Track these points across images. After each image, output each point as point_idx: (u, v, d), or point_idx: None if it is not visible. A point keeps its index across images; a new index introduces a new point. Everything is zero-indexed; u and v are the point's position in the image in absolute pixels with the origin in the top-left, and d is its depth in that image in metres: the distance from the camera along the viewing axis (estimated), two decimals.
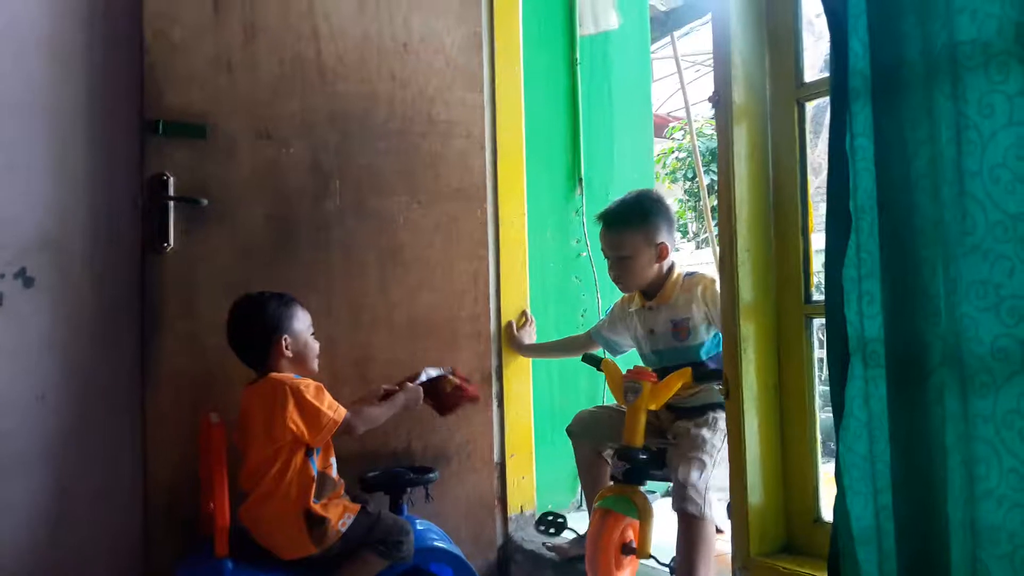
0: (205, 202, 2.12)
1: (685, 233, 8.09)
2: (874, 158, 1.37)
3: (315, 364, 2.00)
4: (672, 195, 8.11)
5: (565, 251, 2.98)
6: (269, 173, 2.23)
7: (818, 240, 1.68)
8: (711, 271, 5.44)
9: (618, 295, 3.09)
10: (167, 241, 2.08)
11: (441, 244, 2.45)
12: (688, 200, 7.75)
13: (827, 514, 1.67)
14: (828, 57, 1.46)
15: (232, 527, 1.81)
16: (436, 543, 2.00)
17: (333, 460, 1.96)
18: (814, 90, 1.77)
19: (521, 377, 2.64)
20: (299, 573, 1.85)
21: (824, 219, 1.44)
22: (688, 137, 6.95)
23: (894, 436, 1.31)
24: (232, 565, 1.79)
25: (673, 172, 7.55)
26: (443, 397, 2.15)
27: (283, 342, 1.91)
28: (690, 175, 7.41)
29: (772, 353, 1.77)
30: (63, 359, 2.06)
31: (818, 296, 1.73)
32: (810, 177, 1.80)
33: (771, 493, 1.73)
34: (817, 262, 1.73)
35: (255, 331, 1.91)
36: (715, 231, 3.98)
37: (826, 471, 1.69)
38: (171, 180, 2.09)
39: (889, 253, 1.34)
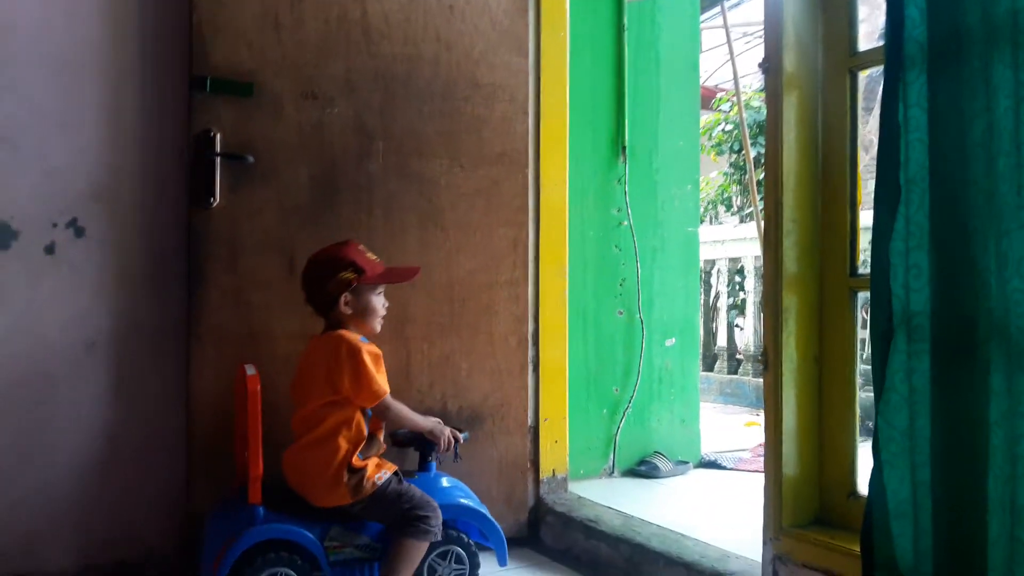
0: (251, 159, 2.15)
1: (729, 207, 7.98)
2: (927, 128, 1.34)
3: (377, 325, 2.01)
4: (717, 168, 8.00)
5: (606, 220, 2.97)
6: (314, 133, 2.25)
7: (866, 217, 1.65)
8: (755, 247, 5.36)
9: (655, 267, 3.08)
10: (213, 197, 2.12)
11: (482, 208, 2.45)
12: (733, 173, 7.62)
13: (863, 489, 1.66)
14: (884, 26, 1.42)
15: (267, 478, 1.87)
16: (462, 500, 2.04)
17: (384, 424, 2.01)
18: (868, 59, 1.73)
19: (557, 343, 2.65)
20: (327, 523, 1.90)
21: (873, 195, 1.42)
22: (735, 109, 6.82)
23: (936, 411, 1.30)
24: (264, 512, 1.85)
25: (719, 144, 7.42)
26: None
27: (343, 298, 1.94)
28: (736, 148, 7.29)
29: (814, 325, 1.75)
30: (112, 308, 2.12)
31: (863, 270, 1.70)
32: (860, 154, 1.76)
33: (806, 465, 1.72)
34: (864, 236, 1.70)
35: (320, 286, 1.95)
36: (760, 205, 3.91)
37: (863, 449, 1.68)
38: (218, 136, 2.12)
39: (939, 226, 1.32)
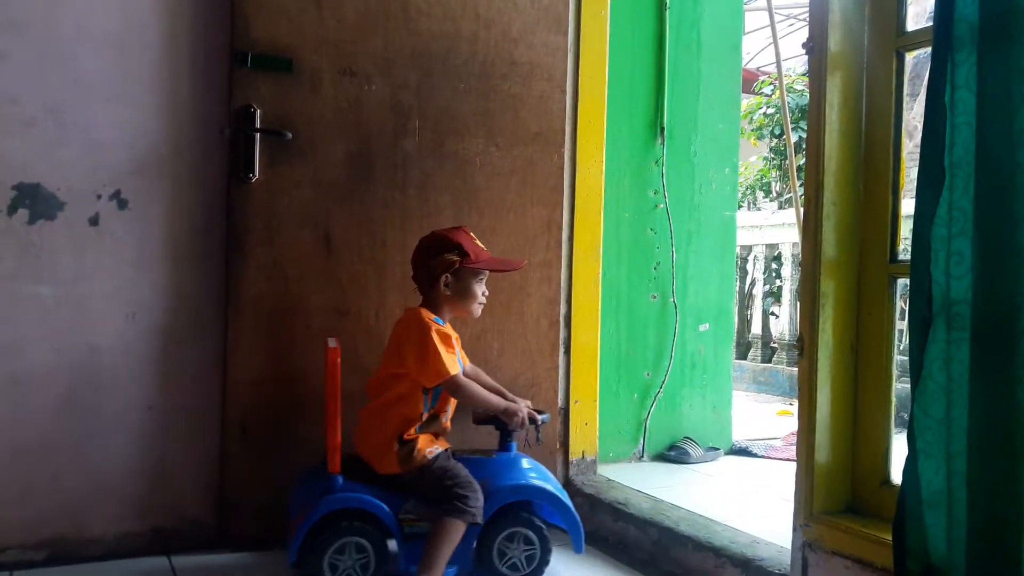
0: (289, 135, 2.16)
1: (768, 192, 7.88)
2: (975, 112, 1.31)
3: (475, 309, 2.05)
4: (757, 153, 7.88)
5: (642, 202, 2.94)
6: (351, 110, 2.26)
7: (907, 205, 1.62)
8: (793, 233, 5.26)
9: (691, 252, 3.05)
10: (252, 172, 2.14)
11: (516, 188, 2.45)
12: (773, 158, 7.51)
13: (896, 477, 1.63)
14: (933, 6, 1.39)
15: (351, 454, 1.95)
16: (535, 481, 2.01)
17: (451, 407, 2.04)
18: (916, 39, 1.68)
19: (589, 326, 2.64)
20: (403, 496, 1.94)
21: (915, 182, 1.38)
22: (777, 92, 6.71)
23: (973, 401, 1.27)
24: (342, 481, 1.90)
25: (759, 128, 7.31)
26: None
27: (444, 279, 1.99)
28: (777, 132, 7.18)
29: (851, 312, 1.72)
30: (153, 280, 2.16)
31: (904, 256, 1.66)
32: (903, 140, 1.72)
33: (839, 453, 1.70)
34: (906, 223, 1.66)
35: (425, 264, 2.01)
36: (800, 191, 3.85)
37: (897, 439, 1.65)
38: (258, 112, 2.14)
39: (983, 212, 1.29)
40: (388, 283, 2.29)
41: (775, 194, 7.77)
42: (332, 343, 1.95)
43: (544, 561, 2.01)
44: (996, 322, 1.26)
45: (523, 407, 2.00)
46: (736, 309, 5.24)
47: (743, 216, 5.81)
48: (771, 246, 5.66)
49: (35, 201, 2.04)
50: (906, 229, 1.65)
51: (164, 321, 2.18)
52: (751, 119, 7.27)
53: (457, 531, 1.87)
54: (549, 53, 2.47)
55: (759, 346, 5.60)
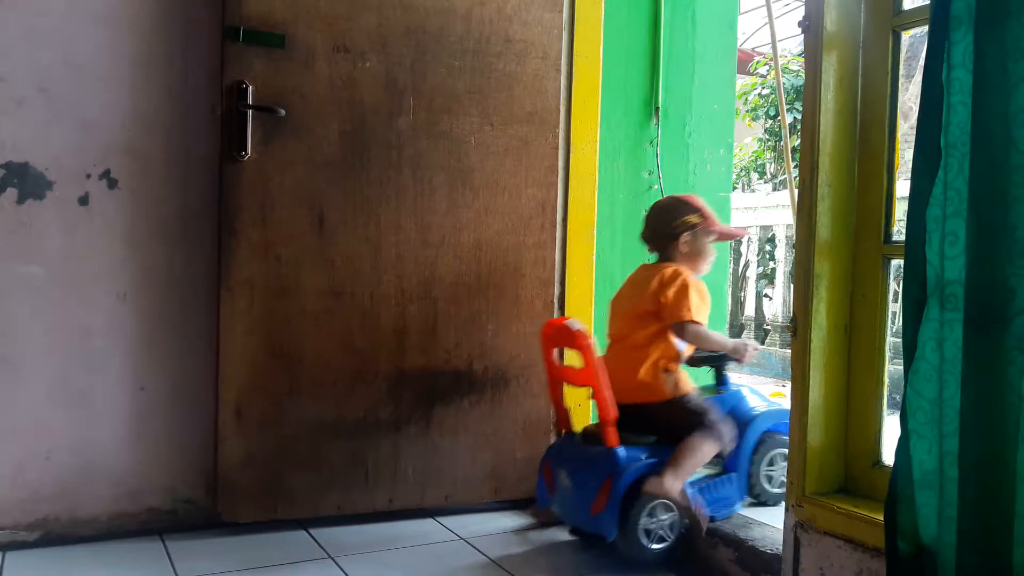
0: (283, 112, 2.14)
1: (763, 174, 7.86)
2: (971, 91, 1.30)
3: (706, 268, 2.23)
4: (752, 134, 7.86)
5: (636, 183, 2.93)
6: (345, 87, 2.23)
7: (902, 185, 1.61)
8: (787, 215, 5.27)
9: None
10: (244, 150, 2.12)
11: (510, 168, 2.43)
12: (768, 140, 7.49)
13: (888, 458, 1.64)
14: None
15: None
16: (771, 408, 2.21)
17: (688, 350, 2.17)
18: (912, 18, 1.67)
19: (583, 307, 2.64)
20: (669, 446, 2.00)
21: (911, 164, 1.38)
22: (772, 73, 6.68)
23: (966, 382, 1.27)
24: (625, 451, 1.99)
25: (755, 109, 7.29)
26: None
27: (684, 237, 2.16)
28: (772, 113, 7.15)
29: (845, 293, 1.72)
30: (143, 259, 2.15)
31: (898, 238, 1.66)
32: (899, 121, 1.72)
33: (832, 434, 1.71)
34: (900, 204, 1.66)
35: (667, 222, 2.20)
36: (795, 172, 3.85)
37: (889, 421, 1.66)
38: (250, 89, 2.12)
39: (978, 192, 1.28)
40: (382, 263, 2.28)
41: (769, 175, 7.77)
42: (575, 324, 2.07)
43: None
44: (989, 303, 1.25)
45: (746, 342, 2.24)
46: (730, 291, 5.25)
47: (738, 197, 5.81)
48: (765, 228, 5.66)
49: (24, 180, 2.02)
50: (901, 210, 1.65)
51: (155, 301, 2.16)
52: (746, 100, 7.25)
53: (708, 449, 1.98)
54: (544, 31, 2.44)
55: (752, 328, 5.62)
